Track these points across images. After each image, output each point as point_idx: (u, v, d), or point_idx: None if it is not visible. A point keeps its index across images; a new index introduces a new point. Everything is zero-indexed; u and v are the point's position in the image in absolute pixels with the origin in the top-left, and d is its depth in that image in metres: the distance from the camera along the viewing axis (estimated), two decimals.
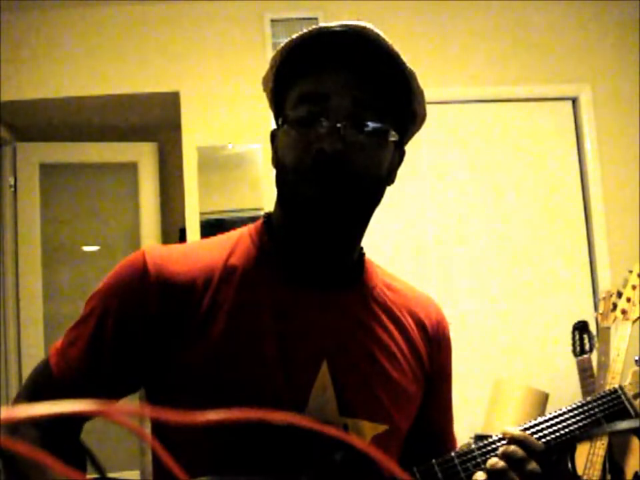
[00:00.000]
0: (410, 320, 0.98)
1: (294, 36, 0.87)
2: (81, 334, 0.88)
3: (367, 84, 0.87)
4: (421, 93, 0.91)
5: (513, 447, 0.87)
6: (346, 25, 0.85)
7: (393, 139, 0.89)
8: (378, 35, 0.85)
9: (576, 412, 0.93)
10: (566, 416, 0.93)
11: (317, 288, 0.91)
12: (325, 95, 0.86)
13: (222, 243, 0.95)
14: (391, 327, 0.95)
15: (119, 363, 0.88)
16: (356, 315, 0.93)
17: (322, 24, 0.87)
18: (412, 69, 0.88)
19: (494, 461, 0.86)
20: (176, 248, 0.94)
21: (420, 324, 0.99)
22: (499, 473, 0.86)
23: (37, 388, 0.90)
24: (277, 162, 0.91)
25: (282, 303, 0.89)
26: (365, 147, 0.86)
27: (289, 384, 0.86)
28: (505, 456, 0.87)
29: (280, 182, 0.90)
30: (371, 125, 0.86)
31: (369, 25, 0.86)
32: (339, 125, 0.84)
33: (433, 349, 0.99)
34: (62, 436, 0.83)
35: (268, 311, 0.88)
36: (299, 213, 0.88)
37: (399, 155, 0.95)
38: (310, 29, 0.86)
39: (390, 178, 0.94)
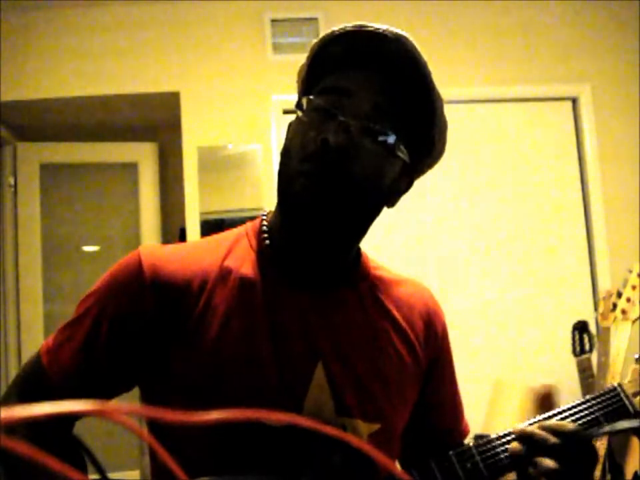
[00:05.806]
0: (404, 312, 0.97)
1: (335, 28, 0.86)
2: (75, 334, 0.88)
3: (391, 93, 0.86)
4: (444, 122, 0.90)
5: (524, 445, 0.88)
6: (388, 30, 0.84)
7: (402, 155, 0.88)
8: (415, 47, 0.85)
9: (575, 410, 0.93)
10: (565, 414, 0.92)
11: (312, 288, 0.91)
12: (347, 90, 0.85)
13: (219, 243, 0.94)
14: (385, 323, 0.94)
15: (113, 364, 0.87)
16: (350, 313, 0.93)
17: (361, 22, 0.85)
18: (440, 94, 0.87)
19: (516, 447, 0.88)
20: (172, 248, 0.93)
21: (413, 315, 0.98)
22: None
23: (29, 387, 0.90)
24: (283, 148, 0.89)
25: (276, 304, 0.89)
26: (370, 151, 0.84)
27: (285, 385, 0.85)
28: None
29: (280, 165, 0.89)
30: (383, 132, 0.85)
31: (410, 37, 0.85)
32: (351, 122, 0.83)
33: (428, 338, 0.98)
34: (55, 434, 0.83)
35: (262, 312, 0.87)
36: (290, 202, 0.86)
37: (407, 183, 0.94)
38: (351, 24, 0.85)
39: (391, 197, 0.92)
